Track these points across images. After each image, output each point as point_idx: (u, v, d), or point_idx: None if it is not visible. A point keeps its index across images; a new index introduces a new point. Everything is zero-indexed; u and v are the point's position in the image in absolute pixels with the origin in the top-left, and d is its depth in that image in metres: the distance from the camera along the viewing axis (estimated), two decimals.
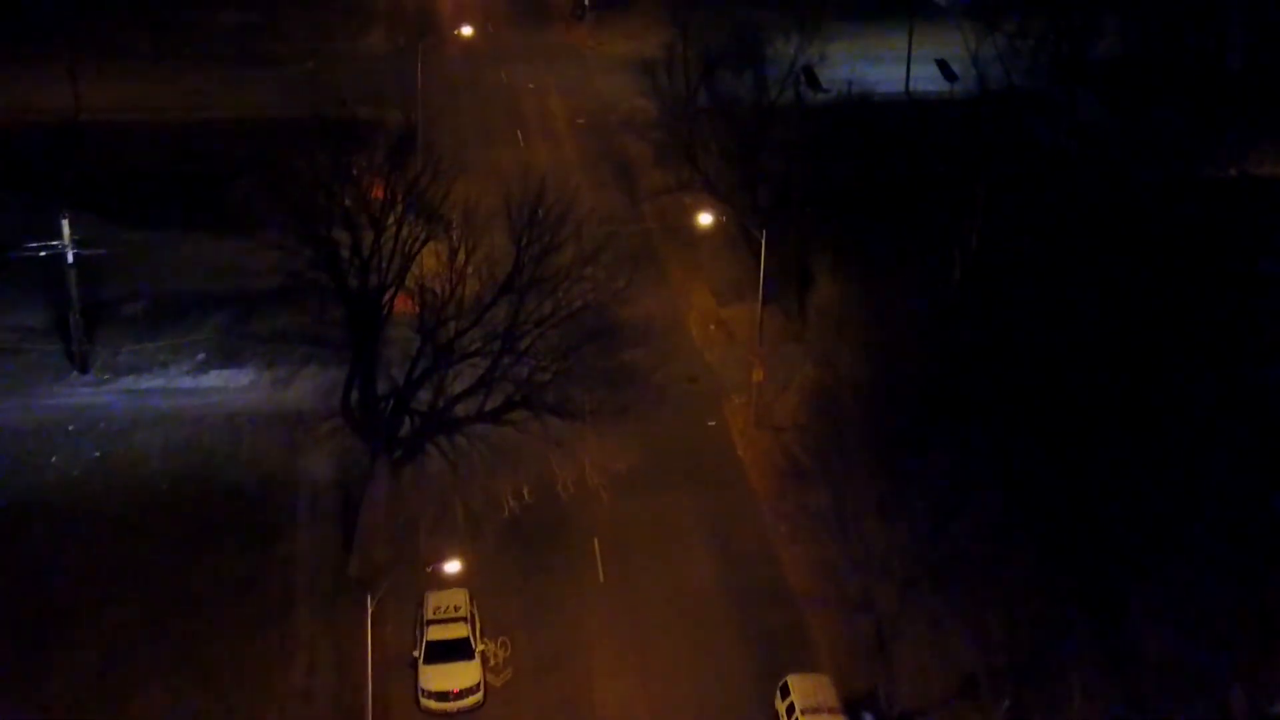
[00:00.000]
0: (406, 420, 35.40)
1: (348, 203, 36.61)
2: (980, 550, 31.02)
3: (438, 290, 34.67)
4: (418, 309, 35.38)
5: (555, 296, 35.60)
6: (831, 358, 43.71)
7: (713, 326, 47.28)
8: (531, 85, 69.13)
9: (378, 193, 37.85)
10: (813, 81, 59.89)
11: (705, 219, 45.04)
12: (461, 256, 34.71)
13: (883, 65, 66.14)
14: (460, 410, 35.30)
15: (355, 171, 39.05)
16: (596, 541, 36.84)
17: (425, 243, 36.31)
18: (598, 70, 70.60)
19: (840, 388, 41.62)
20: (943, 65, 65.96)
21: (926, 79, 66.09)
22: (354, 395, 35.22)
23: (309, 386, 37.70)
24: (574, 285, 36.18)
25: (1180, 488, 34.76)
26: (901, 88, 65.50)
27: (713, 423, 42.65)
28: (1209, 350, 41.12)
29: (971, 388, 38.88)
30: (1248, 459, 36.30)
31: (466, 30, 66.30)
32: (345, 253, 35.39)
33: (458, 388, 35.47)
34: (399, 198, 37.28)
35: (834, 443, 37.37)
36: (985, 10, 61.05)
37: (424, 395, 35.47)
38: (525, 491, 37.83)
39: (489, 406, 35.03)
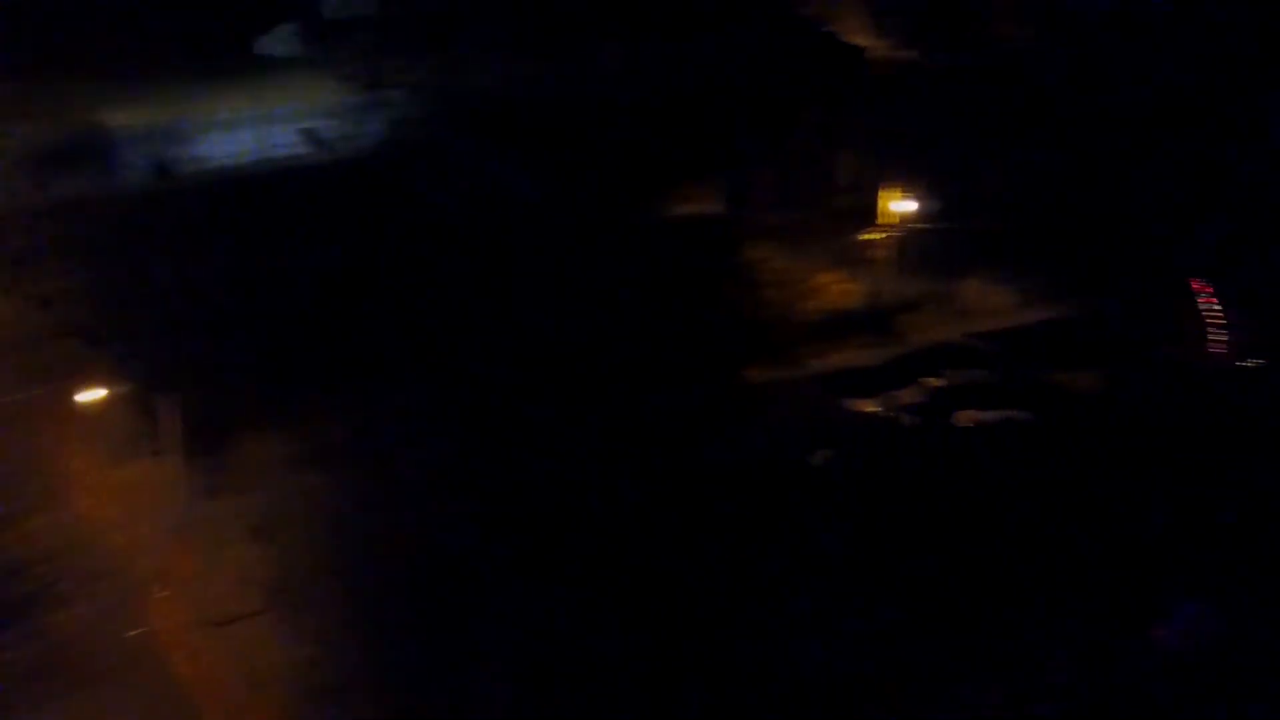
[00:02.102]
0: None
1: None
2: None
3: None
4: None
5: None
6: (277, 520, 36.80)
7: (113, 496, 38.31)
8: None
9: None
10: (162, 167, 51.55)
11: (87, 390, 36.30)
12: None
13: (231, 132, 58.37)
14: None
15: None
16: None
17: None
18: None
19: (295, 567, 35.04)
20: (307, 129, 59.10)
21: (288, 144, 58.55)
22: None
23: None
24: None
25: None
26: (257, 156, 57.93)
27: (136, 631, 34.23)
28: None
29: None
30: None
31: None
32: None
33: None
34: None
35: (311, 652, 30.89)
36: (340, 60, 55.49)
37: None
38: None
39: None
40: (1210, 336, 42.61)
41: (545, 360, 41.13)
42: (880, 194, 47.74)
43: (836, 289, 46.08)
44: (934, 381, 41.45)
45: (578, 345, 41.88)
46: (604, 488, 36.37)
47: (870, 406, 40.62)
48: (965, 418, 39.90)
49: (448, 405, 39.32)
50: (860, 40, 56.19)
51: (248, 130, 58.84)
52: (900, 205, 47.16)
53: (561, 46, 52.82)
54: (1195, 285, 43.57)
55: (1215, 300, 43.11)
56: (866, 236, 47.36)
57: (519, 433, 38.44)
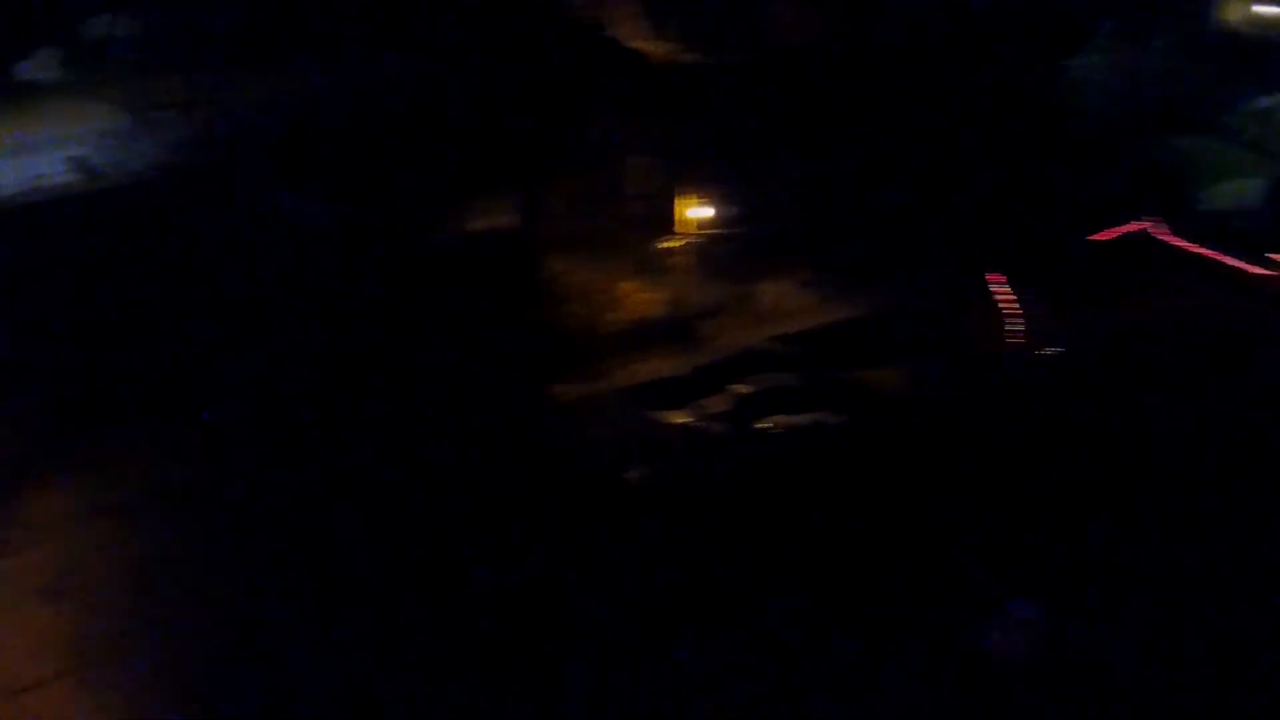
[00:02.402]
0: None
1: None
2: None
3: None
4: None
5: None
6: (72, 576, 34.59)
7: None
8: None
9: None
10: None
11: None
12: None
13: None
14: None
15: None
16: None
17: None
18: None
19: (94, 626, 32.92)
20: (75, 157, 56.35)
21: (56, 173, 55.51)
22: None
23: None
24: None
25: None
26: (23, 186, 54.84)
27: None
28: None
29: None
30: None
31: None
32: None
33: None
34: None
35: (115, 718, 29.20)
36: (106, 83, 53.07)
37: None
38: None
39: None
40: (1007, 327, 43.42)
41: (347, 382, 39.98)
42: (675, 201, 47.49)
43: (637, 299, 45.64)
44: (741, 388, 41.35)
45: (379, 366, 40.82)
46: (414, 509, 35.44)
47: (679, 417, 40.31)
48: (774, 422, 39.86)
49: (246, 438, 37.83)
50: (641, 45, 56.05)
51: (11, 160, 56.06)
52: (696, 211, 46.99)
53: (339, 60, 51.51)
54: (990, 277, 44.39)
55: (1010, 291, 43.97)
56: (664, 244, 47.03)
57: (323, 458, 37.24)
